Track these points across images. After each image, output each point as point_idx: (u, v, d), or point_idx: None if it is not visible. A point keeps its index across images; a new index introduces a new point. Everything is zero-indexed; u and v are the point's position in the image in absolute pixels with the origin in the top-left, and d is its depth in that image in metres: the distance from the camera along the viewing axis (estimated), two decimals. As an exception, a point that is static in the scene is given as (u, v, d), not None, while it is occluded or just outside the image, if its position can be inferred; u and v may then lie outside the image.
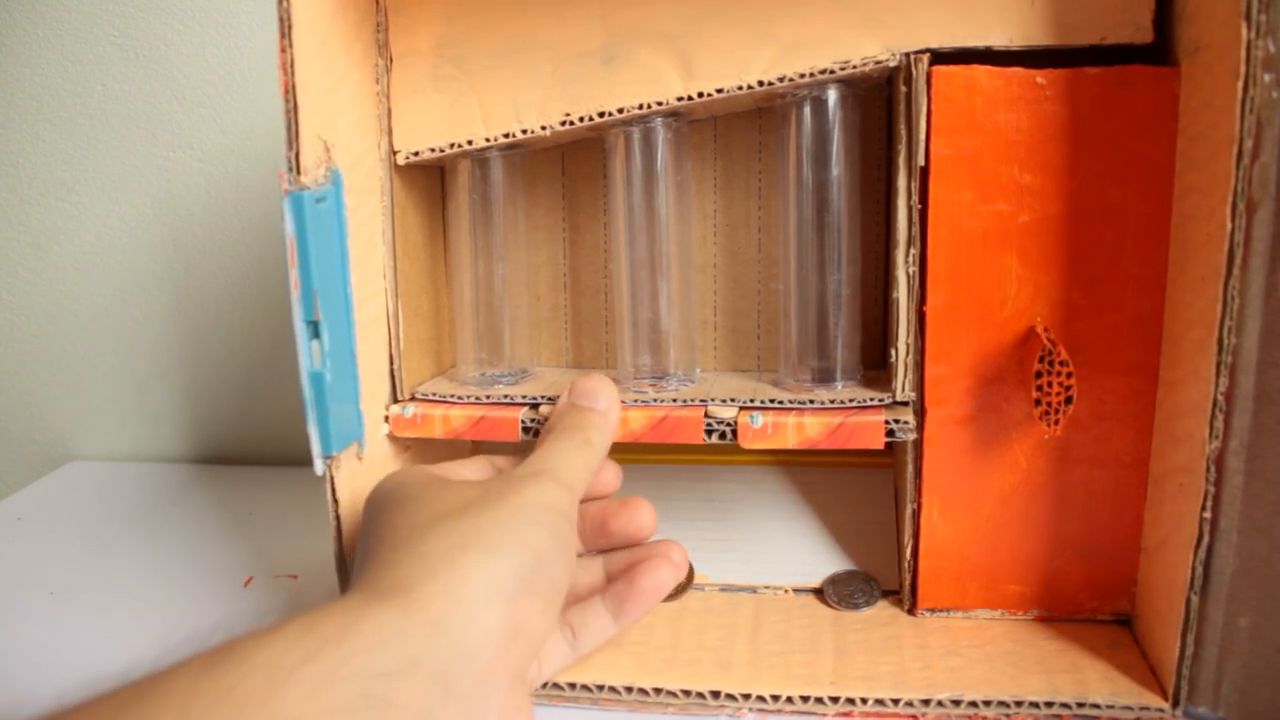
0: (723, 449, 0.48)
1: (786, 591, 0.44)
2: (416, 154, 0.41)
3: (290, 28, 0.33)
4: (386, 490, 0.34)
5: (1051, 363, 0.34)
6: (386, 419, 0.42)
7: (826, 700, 0.36)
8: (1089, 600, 0.40)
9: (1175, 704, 0.35)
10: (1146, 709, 0.35)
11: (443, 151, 0.41)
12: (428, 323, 0.46)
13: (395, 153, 0.42)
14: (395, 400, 0.43)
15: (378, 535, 0.32)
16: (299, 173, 0.34)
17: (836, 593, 0.43)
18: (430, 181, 0.46)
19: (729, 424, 0.39)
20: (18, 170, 0.69)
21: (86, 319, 0.70)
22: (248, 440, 0.71)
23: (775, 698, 0.36)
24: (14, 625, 0.46)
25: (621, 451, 0.40)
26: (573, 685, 0.37)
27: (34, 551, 0.55)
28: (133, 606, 0.47)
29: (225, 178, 0.66)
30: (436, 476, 0.35)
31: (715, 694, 0.37)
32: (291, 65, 0.34)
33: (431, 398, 0.43)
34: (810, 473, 0.52)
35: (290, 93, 0.34)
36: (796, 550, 0.46)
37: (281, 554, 0.46)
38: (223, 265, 0.68)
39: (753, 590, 0.44)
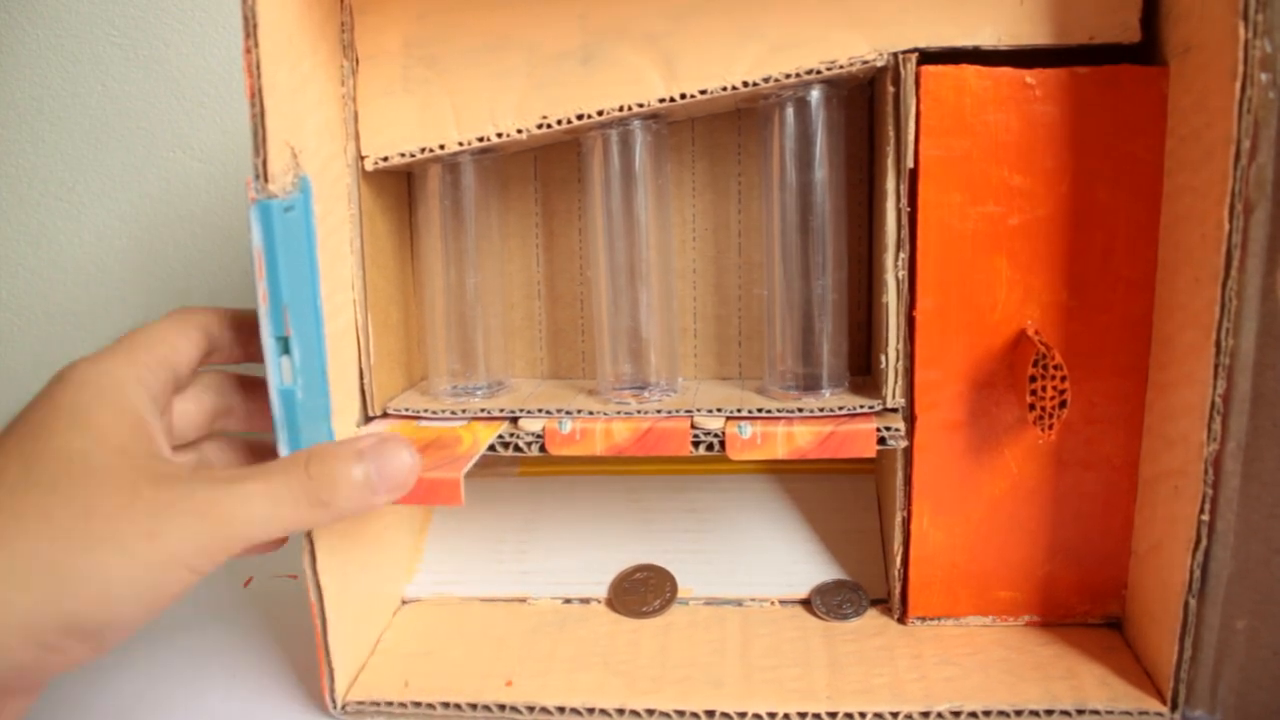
0: (703, 458, 0.47)
1: (773, 603, 0.43)
2: (386, 159, 0.40)
3: (255, 26, 0.32)
4: None
5: (1045, 366, 0.34)
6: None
7: (824, 716, 0.35)
8: (1080, 604, 0.39)
9: (1173, 707, 0.34)
10: (1145, 713, 0.34)
11: (413, 156, 0.40)
12: (397, 335, 0.44)
13: (363, 158, 0.40)
14: (366, 416, 0.41)
15: None
16: (267, 180, 0.32)
17: (825, 603, 0.42)
18: (398, 187, 0.45)
19: (716, 435, 0.38)
20: (18, 170, 0.68)
21: (86, 319, 0.70)
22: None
23: (772, 715, 0.35)
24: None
25: (602, 464, 0.38)
26: (561, 709, 0.36)
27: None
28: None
29: (225, 178, 0.66)
30: None
31: (710, 713, 0.36)
32: (257, 66, 0.32)
33: (404, 413, 0.41)
34: (790, 480, 0.51)
35: (256, 96, 0.32)
36: (780, 560, 0.45)
37: (281, 554, 0.45)
38: (223, 265, 0.67)
39: (738, 603, 0.43)
